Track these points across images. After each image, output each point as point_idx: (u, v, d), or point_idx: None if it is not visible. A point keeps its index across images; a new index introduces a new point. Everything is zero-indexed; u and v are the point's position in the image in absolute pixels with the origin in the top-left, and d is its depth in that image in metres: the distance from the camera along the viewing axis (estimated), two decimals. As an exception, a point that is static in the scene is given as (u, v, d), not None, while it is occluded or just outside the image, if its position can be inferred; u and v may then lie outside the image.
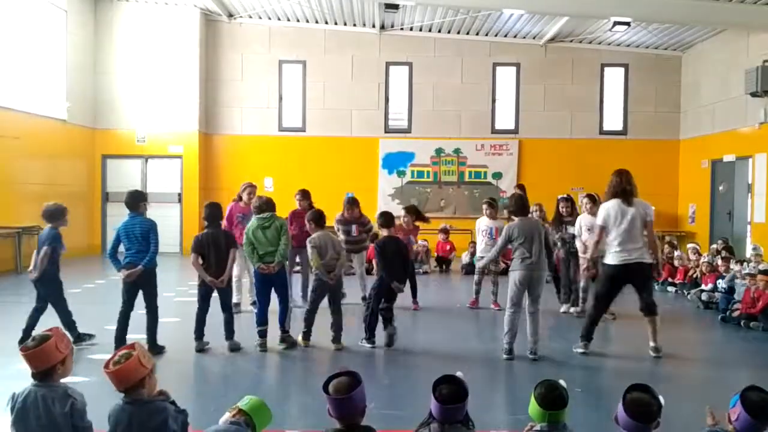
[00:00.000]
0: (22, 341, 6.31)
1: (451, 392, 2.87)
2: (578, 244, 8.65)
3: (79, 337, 6.64)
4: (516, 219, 6.66)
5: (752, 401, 2.79)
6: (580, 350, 6.64)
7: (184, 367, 6.25)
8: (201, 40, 16.07)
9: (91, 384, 4.79)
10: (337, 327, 6.81)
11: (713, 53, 14.81)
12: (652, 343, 6.60)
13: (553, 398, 2.94)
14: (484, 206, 9.51)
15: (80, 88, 15.27)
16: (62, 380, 3.21)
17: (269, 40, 16.47)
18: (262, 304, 6.76)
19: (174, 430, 3.01)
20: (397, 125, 16.63)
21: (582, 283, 8.82)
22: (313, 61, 16.46)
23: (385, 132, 16.56)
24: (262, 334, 6.67)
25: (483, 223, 9.43)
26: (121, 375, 2.95)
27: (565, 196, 9.54)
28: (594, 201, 8.86)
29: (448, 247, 13.86)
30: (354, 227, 9.07)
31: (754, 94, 12.42)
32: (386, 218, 7.24)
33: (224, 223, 8.59)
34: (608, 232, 6.57)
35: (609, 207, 6.62)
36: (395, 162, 16.49)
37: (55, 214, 6.88)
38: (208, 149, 16.44)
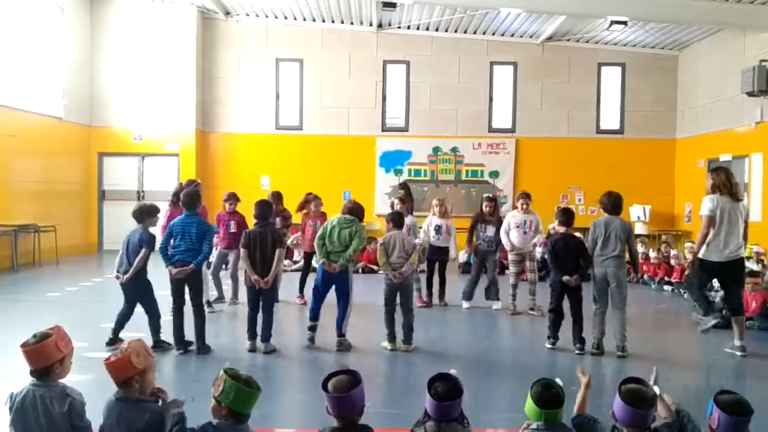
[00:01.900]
0: (111, 342, 6.44)
1: (446, 390, 2.87)
2: (504, 239, 8.96)
3: (158, 344, 6.53)
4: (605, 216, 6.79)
5: (726, 402, 2.80)
6: (712, 323, 6.76)
7: (185, 365, 6.25)
8: (198, 38, 16.05)
9: (86, 382, 4.78)
10: (407, 327, 6.81)
11: (710, 53, 14.83)
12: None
13: (549, 397, 2.95)
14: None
15: (77, 86, 15.24)
16: (61, 380, 3.20)
17: (266, 38, 16.45)
18: (316, 300, 6.82)
19: None
20: (394, 124, 16.63)
21: (512, 280, 8.98)
22: (310, 60, 16.45)
23: (383, 130, 16.56)
24: (313, 329, 6.75)
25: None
26: (111, 369, 2.98)
27: (489, 195, 9.70)
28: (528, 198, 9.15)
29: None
30: (278, 220, 9.08)
31: (750, 94, 12.45)
32: (566, 215, 7.20)
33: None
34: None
35: None
36: (392, 160, 16.49)
37: (151, 212, 6.75)
38: (205, 147, 16.42)
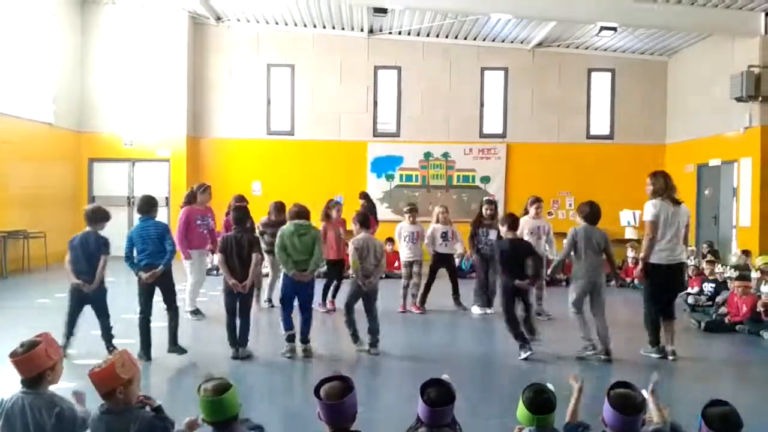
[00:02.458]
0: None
1: (438, 395, 2.87)
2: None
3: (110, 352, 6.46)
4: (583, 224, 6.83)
5: (715, 415, 2.75)
6: (655, 355, 6.73)
7: (176, 371, 6.22)
8: (189, 44, 16.01)
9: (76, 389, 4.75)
10: (374, 331, 6.80)
11: (699, 58, 14.94)
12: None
13: (541, 402, 2.95)
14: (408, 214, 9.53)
15: (67, 92, 15.17)
16: (51, 386, 3.18)
17: (257, 43, 16.44)
18: (288, 310, 6.75)
19: None
20: (385, 129, 16.65)
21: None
22: (301, 65, 16.45)
23: (374, 136, 16.57)
24: (291, 339, 6.66)
25: (406, 229, 9.44)
26: (96, 380, 2.96)
27: (489, 198, 9.57)
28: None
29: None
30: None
31: (739, 99, 12.54)
32: (511, 220, 7.26)
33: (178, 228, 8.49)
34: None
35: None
36: (384, 166, 16.50)
37: (104, 217, 6.65)
38: (196, 153, 16.37)
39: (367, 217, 7.26)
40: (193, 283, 8.54)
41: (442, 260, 9.43)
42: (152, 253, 6.43)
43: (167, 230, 6.62)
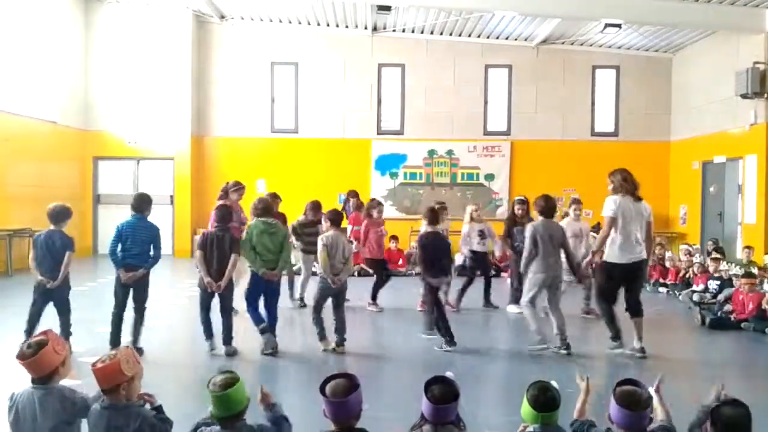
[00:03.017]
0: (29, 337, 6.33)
1: (442, 392, 2.87)
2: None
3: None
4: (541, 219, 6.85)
5: (724, 417, 2.68)
6: (619, 350, 6.71)
7: (170, 370, 6.23)
8: (193, 42, 16.03)
9: (80, 386, 4.76)
10: (341, 330, 6.77)
11: (704, 55, 14.88)
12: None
13: (545, 400, 2.94)
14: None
15: (72, 90, 15.22)
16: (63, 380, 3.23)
17: (261, 41, 16.44)
18: (255, 307, 6.71)
19: None
20: (389, 127, 16.64)
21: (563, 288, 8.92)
22: (305, 63, 16.45)
23: (378, 133, 16.57)
24: (264, 331, 6.62)
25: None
26: (99, 375, 2.97)
27: (522, 198, 9.50)
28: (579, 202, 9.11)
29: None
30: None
31: (744, 96, 12.49)
32: (432, 215, 7.22)
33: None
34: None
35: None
36: (388, 163, 16.49)
37: (66, 215, 6.71)
38: (200, 151, 16.40)
39: (339, 215, 7.19)
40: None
41: (479, 260, 9.39)
42: (137, 255, 6.44)
43: (158, 235, 6.59)
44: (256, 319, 6.66)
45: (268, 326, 6.61)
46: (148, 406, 3.07)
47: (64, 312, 6.56)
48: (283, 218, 9.19)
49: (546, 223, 6.79)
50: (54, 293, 6.45)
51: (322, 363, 6.43)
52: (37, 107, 13.92)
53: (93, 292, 10.64)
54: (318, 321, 6.79)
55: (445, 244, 7.15)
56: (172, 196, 15.90)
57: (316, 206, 9.17)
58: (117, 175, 16.08)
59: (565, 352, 6.63)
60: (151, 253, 6.51)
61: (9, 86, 13.00)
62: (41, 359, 3.08)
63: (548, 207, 6.88)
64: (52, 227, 6.51)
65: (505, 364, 6.73)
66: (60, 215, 6.59)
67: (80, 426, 3.21)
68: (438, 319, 6.88)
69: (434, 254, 6.89)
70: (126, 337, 6.47)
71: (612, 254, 6.54)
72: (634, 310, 6.66)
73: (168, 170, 16.00)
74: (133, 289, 6.51)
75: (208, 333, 6.60)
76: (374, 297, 9.29)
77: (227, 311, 6.65)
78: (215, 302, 6.63)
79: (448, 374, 3.01)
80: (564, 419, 3.05)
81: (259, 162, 16.29)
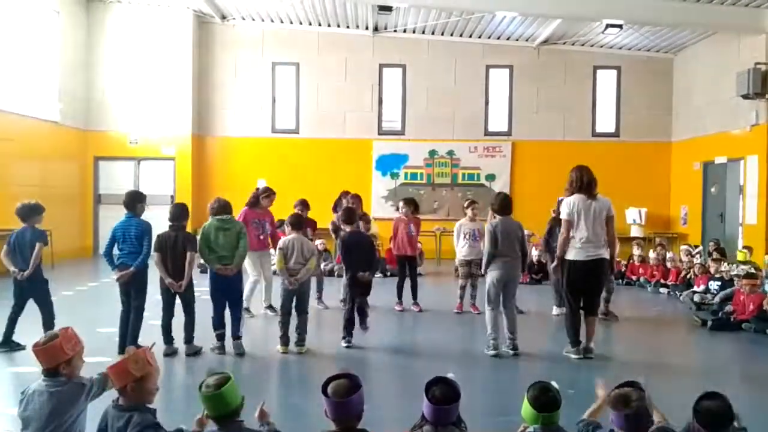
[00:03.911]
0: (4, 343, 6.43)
1: (443, 393, 2.87)
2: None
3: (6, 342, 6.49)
4: (498, 218, 6.85)
5: (705, 409, 2.73)
6: (572, 355, 6.60)
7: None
8: (194, 42, 16.04)
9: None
10: (301, 330, 6.76)
11: (705, 56, 14.88)
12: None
13: (546, 400, 2.95)
14: (469, 209, 9.45)
15: (72, 90, 15.22)
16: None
17: (262, 41, 16.45)
18: (218, 307, 6.69)
19: None
20: (390, 127, 16.64)
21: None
22: (306, 63, 16.45)
23: (379, 134, 16.57)
24: (221, 337, 6.61)
25: (466, 226, 9.35)
26: (112, 373, 3.06)
27: (562, 198, 9.41)
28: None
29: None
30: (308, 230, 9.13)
31: (745, 97, 12.48)
32: (347, 214, 7.29)
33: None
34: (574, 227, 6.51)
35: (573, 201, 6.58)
36: (389, 164, 16.49)
37: (35, 211, 6.89)
38: (201, 151, 16.40)
39: (300, 218, 7.23)
40: (253, 282, 8.56)
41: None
42: (129, 253, 6.44)
43: (148, 231, 6.55)
44: (217, 321, 6.63)
45: (223, 334, 6.60)
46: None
47: (43, 304, 6.67)
48: (313, 224, 9.20)
49: (505, 221, 6.79)
50: (29, 289, 6.62)
51: (324, 362, 6.42)
52: (38, 107, 13.92)
53: (94, 292, 10.66)
54: (284, 324, 6.75)
55: (366, 242, 7.21)
56: (172, 196, 15.89)
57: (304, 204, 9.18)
58: (118, 175, 16.08)
59: (513, 352, 6.64)
60: (143, 250, 6.46)
61: (10, 86, 12.99)
62: (47, 351, 3.22)
63: (500, 204, 6.88)
64: (24, 225, 6.75)
65: (503, 364, 6.73)
66: (29, 212, 6.78)
67: (85, 418, 3.28)
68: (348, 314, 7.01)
69: (355, 252, 6.99)
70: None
71: (570, 252, 6.51)
72: (590, 309, 6.59)
73: (169, 170, 16.01)
74: (130, 288, 6.51)
75: (168, 337, 6.54)
76: (399, 296, 9.39)
77: (190, 310, 6.60)
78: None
79: (450, 375, 3.01)
80: (564, 420, 3.05)
81: (259, 162, 16.28)
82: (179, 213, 6.70)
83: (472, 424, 4.18)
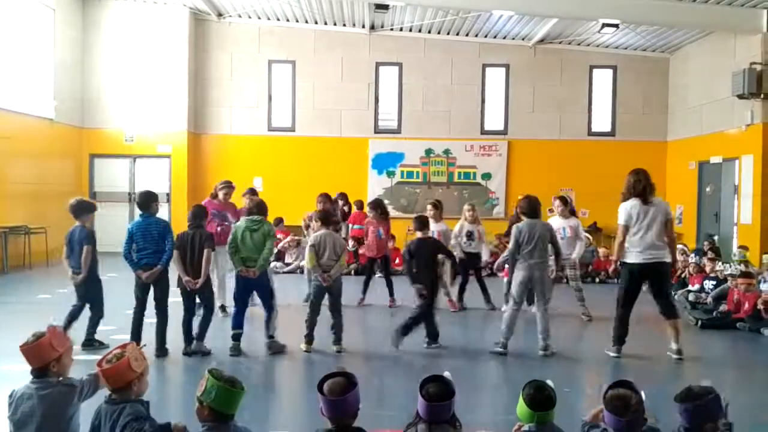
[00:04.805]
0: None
1: (437, 391, 2.87)
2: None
3: (90, 342, 6.54)
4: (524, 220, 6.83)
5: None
6: (613, 354, 6.66)
7: (169, 369, 6.23)
8: (190, 40, 16.00)
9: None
10: (337, 328, 6.75)
11: (700, 55, 14.91)
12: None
13: (541, 399, 2.95)
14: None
15: (68, 87, 15.17)
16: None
17: (258, 39, 16.42)
18: (239, 308, 6.69)
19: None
20: (386, 126, 16.64)
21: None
22: (302, 61, 16.43)
23: (375, 132, 16.56)
24: (236, 338, 6.59)
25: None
26: (109, 375, 3.00)
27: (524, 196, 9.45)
28: (565, 203, 8.97)
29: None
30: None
31: (741, 96, 12.51)
32: (420, 222, 7.20)
33: None
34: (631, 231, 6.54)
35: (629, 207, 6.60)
36: (385, 162, 16.49)
37: (85, 209, 6.72)
38: (197, 149, 16.37)
39: (329, 215, 7.23)
40: (220, 278, 8.45)
41: (468, 259, 9.34)
42: (153, 253, 6.43)
43: (168, 229, 6.61)
44: (235, 322, 6.64)
45: (240, 335, 6.61)
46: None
47: (92, 308, 6.64)
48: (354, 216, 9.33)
49: (530, 223, 6.77)
50: (82, 289, 6.58)
51: (317, 361, 6.42)
52: (33, 104, 13.87)
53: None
54: (311, 321, 6.75)
55: (430, 247, 7.11)
56: (168, 194, 15.86)
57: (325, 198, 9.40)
58: (113, 172, 16.05)
59: (549, 353, 6.63)
60: (167, 248, 6.48)
61: (5, 83, 12.94)
62: (35, 349, 3.16)
63: (528, 207, 6.86)
64: (76, 223, 6.65)
65: (499, 363, 6.74)
66: (78, 209, 6.65)
67: (79, 417, 3.24)
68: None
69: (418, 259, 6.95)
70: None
71: (629, 256, 6.56)
72: (666, 312, 6.64)
73: (164, 168, 15.97)
74: (153, 289, 6.51)
75: (188, 336, 6.55)
76: (391, 293, 9.49)
77: (209, 308, 6.66)
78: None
79: (446, 374, 3.01)
80: (558, 419, 3.05)
81: (255, 160, 16.26)
82: (198, 213, 6.79)
83: (476, 422, 4.20)
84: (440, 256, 7.04)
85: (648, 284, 6.62)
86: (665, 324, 6.70)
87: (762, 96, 12.26)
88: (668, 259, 6.54)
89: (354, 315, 8.42)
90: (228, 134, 16.47)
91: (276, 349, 6.63)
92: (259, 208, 6.85)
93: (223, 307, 8.41)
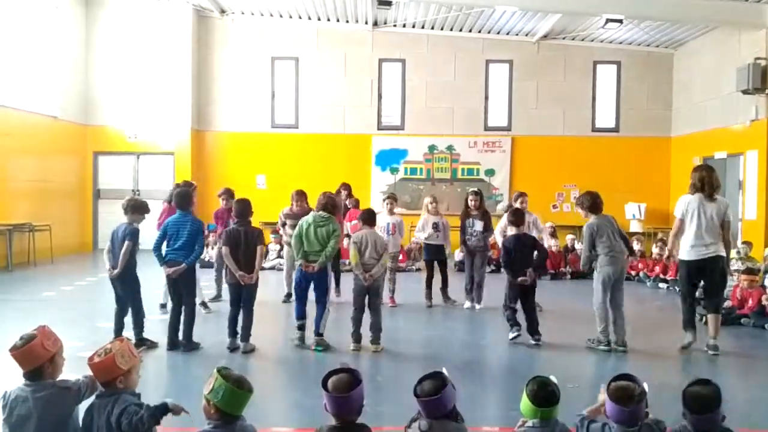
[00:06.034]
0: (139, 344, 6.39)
1: (429, 387, 2.87)
2: (499, 239, 8.74)
3: (142, 342, 6.47)
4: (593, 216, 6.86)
5: (688, 395, 2.92)
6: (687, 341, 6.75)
7: (173, 364, 6.24)
8: (193, 37, 16.01)
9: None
10: (375, 328, 6.75)
11: (705, 51, 14.85)
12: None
13: (545, 395, 2.95)
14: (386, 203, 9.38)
15: (72, 85, 15.20)
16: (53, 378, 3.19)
17: (262, 36, 16.42)
18: (300, 300, 6.79)
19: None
20: (390, 122, 16.62)
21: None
22: (305, 58, 16.43)
23: (378, 129, 16.56)
24: (301, 328, 6.72)
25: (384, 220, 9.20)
26: (96, 369, 3.02)
27: (475, 189, 9.44)
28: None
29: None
30: None
31: (745, 92, 12.47)
32: (517, 216, 7.30)
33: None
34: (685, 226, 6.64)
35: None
36: (388, 159, 16.49)
37: (137, 209, 6.72)
38: (201, 146, 16.39)
39: (373, 214, 7.25)
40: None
41: (434, 252, 9.32)
42: (178, 249, 6.49)
43: (201, 230, 6.71)
44: (298, 313, 6.78)
45: (304, 324, 6.73)
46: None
47: (132, 307, 6.64)
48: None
49: (600, 219, 6.80)
50: (120, 287, 6.58)
51: (320, 360, 6.43)
52: (37, 102, 13.90)
53: (93, 287, 10.66)
54: (356, 321, 6.77)
55: (528, 242, 7.22)
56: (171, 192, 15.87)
57: (301, 195, 9.18)
58: (117, 170, 16.08)
59: (621, 349, 6.67)
60: (196, 248, 6.55)
61: (9, 81, 12.97)
62: (27, 352, 3.09)
63: (594, 203, 6.87)
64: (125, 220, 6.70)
65: (501, 359, 6.72)
66: (130, 209, 6.68)
67: (78, 418, 3.20)
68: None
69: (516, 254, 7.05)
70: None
71: (683, 252, 6.69)
72: (709, 306, 6.76)
73: (168, 165, 15.99)
74: (180, 285, 6.56)
75: (233, 330, 6.60)
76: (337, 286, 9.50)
77: (250, 306, 6.66)
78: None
79: (443, 370, 3.00)
80: (563, 415, 3.05)
81: (259, 157, 16.28)
82: (244, 209, 6.78)
83: (471, 418, 4.19)
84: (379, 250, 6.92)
85: (702, 278, 6.76)
86: (707, 317, 6.79)
87: (766, 91, 12.22)
88: (723, 253, 6.61)
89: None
90: (231, 131, 16.48)
91: (323, 346, 6.63)
92: (331, 205, 6.88)
93: (204, 303, 8.44)
